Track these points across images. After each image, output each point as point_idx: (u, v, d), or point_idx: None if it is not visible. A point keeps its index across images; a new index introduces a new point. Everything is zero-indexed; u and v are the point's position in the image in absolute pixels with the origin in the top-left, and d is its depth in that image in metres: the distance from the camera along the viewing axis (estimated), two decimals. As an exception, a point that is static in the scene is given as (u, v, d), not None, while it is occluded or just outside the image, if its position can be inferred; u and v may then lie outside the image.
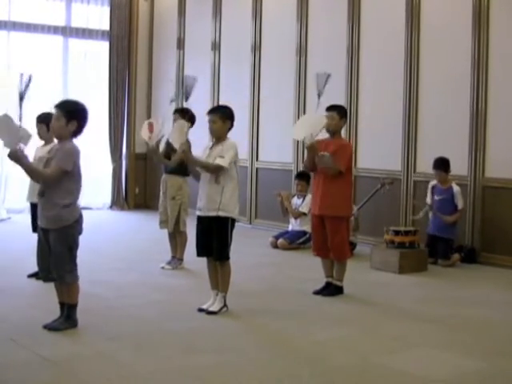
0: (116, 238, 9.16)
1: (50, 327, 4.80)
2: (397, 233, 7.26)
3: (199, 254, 5.43)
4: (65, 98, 5.10)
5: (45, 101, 11.38)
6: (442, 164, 7.56)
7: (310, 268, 7.08)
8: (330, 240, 5.99)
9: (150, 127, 6.49)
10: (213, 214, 5.27)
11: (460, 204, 7.51)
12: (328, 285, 6.12)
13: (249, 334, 5.02)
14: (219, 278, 5.40)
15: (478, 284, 6.78)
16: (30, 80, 4.81)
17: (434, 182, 7.67)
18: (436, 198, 7.58)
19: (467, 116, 7.74)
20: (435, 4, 8.11)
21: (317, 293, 6.05)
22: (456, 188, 7.52)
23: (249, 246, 8.47)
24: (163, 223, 7.09)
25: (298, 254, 8.09)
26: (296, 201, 8.67)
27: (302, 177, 8.66)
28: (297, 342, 4.80)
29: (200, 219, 5.37)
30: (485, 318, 5.51)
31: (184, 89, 5.54)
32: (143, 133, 6.49)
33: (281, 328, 5.13)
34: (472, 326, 5.31)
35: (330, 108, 6.13)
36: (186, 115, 6.80)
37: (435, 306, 5.90)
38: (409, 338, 4.97)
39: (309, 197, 8.50)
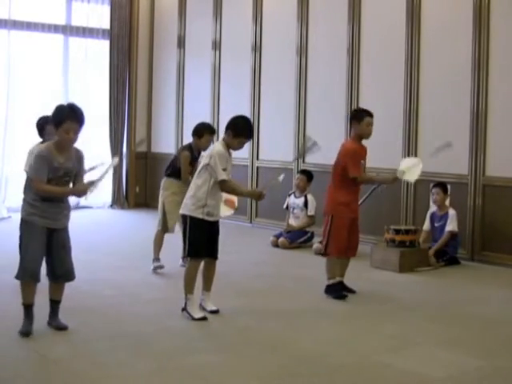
0: (116, 236, 9.17)
1: (60, 326, 4.86)
2: (397, 232, 7.26)
3: None
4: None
5: (45, 99, 11.43)
6: (441, 184, 7.61)
7: (310, 267, 7.09)
8: (357, 238, 6.14)
9: (231, 203, 6.29)
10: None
11: (450, 227, 7.42)
12: (342, 283, 6.17)
13: (249, 332, 5.02)
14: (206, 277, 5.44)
15: (478, 283, 6.78)
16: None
17: (432, 210, 7.67)
18: (436, 224, 7.59)
19: (468, 115, 7.74)
20: (435, 4, 8.11)
21: (349, 292, 6.10)
22: (452, 212, 7.49)
23: (249, 245, 8.48)
24: (174, 226, 6.91)
25: (298, 253, 8.09)
26: (293, 200, 8.64)
27: (304, 173, 8.69)
28: (297, 341, 4.80)
29: None
30: (485, 317, 5.51)
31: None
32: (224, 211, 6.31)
33: (281, 327, 5.13)
34: (472, 324, 5.31)
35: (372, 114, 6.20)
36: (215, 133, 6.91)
37: (435, 304, 5.90)
38: (409, 336, 4.98)
39: (310, 197, 8.51)
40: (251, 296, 6.01)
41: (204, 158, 5.37)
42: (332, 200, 6.07)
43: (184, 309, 5.23)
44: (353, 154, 6.01)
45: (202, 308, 5.41)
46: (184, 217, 5.33)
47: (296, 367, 4.27)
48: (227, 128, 5.28)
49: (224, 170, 5.18)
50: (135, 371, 4.15)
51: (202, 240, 5.26)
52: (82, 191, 4.80)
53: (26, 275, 4.75)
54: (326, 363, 4.36)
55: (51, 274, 4.87)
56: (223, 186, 5.22)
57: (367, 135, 6.15)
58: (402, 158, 6.97)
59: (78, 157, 4.84)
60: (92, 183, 4.79)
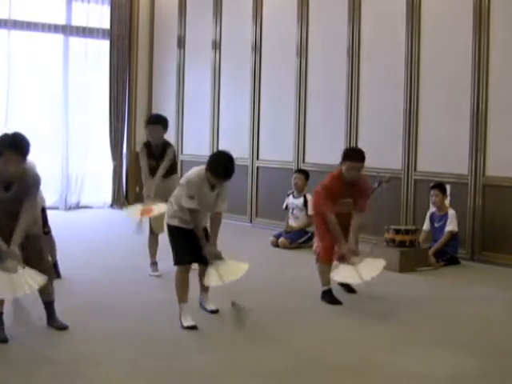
0: (116, 236, 9.16)
1: (61, 326, 4.85)
2: (397, 231, 7.26)
3: None
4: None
5: (45, 99, 11.43)
6: (439, 185, 7.60)
7: (310, 267, 7.07)
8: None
9: (147, 212, 6.38)
10: None
11: (450, 227, 7.42)
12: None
13: (248, 332, 5.01)
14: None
15: (478, 283, 6.78)
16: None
17: (432, 210, 7.67)
18: (436, 225, 7.60)
19: (468, 115, 7.74)
20: (435, 4, 8.11)
21: (350, 292, 6.12)
22: (451, 212, 7.50)
23: (249, 245, 8.47)
24: (161, 226, 6.88)
25: (298, 254, 8.08)
26: (292, 200, 8.63)
27: (302, 172, 8.69)
28: (297, 341, 4.80)
29: None
30: (485, 317, 5.51)
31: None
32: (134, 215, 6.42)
33: (280, 327, 5.14)
34: (473, 324, 5.31)
35: (361, 159, 5.69)
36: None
37: (436, 304, 5.90)
38: (409, 336, 4.98)
39: (309, 196, 8.49)
40: (251, 296, 6.00)
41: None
42: (314, 204, 6.07)
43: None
44: (325, 193, 5.71)
45: (203, 307, 5.42)
46: (167, 226, 5.32)
47: (296, 367, 4.27)
48: (207, 162, 5.00)
49: (191, 197, 4.97)
50: (135, 371, 4.16)
51: (182, 246, 5.15)
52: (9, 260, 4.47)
53: None
54: (326, 363, 4.36)
55: None
56: (189, 212, 5.06)
57: (347, 179, 5.68)
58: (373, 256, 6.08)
59: (28, 185, 4.57)
60: (17, 264, 4.46)
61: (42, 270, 4.78)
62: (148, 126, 6.75)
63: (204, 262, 5.24)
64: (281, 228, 8.84)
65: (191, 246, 5.18)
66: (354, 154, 5.74)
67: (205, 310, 5.39)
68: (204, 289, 5.44)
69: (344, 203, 5.74)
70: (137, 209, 6.74)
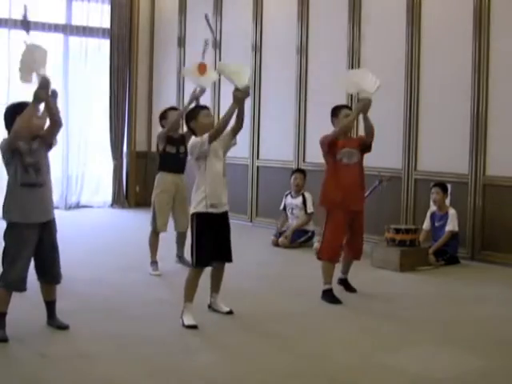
0: (116, 236, 9.17)
1: (61, 326, 4.85)
2: (398, 231, 7.27)
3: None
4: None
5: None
6: (440, 184, 7.61)
7: (310, 267, 7.08)
8: (359, 238, 6.04)
9: (202, 68, 6.73)
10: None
11: (450, 226, 7.43)
12: (345, 281, 6.21)
13: (249, 332, 5.02)
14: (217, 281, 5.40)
15: (478, 282, 6.78)
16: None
17: (433, 209, 7.67)
18: (436, 224, 7.61)
19: (468, 114, 7.74)
20: (436, 5, 8.11)
21: (350, 291, 6.17)
22: (452, 211, 7.50)
23: (249, 245, 8.47)
24: (165, 226, 6.86)
25: (299, 253, 8.09)
26: (291, 200, 8.63)
27: (301, 172, 8.71)
28: (297, 341, 4.80)
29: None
30: (486, 316, 5.51)
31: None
32: (192, 72, 6.87)
33: (281, 327, 5.13)
34: (473, 323, 5.31)
35: (351, 108, 6.17)
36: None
37: (436, 303, 5.90)
38: (410, 336, 4.98)
39: (307, 194, 8.50)
40: (251, 296, 6.01)
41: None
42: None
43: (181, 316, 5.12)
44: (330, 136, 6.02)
45: (213, 310, 5.39)
46: (191, 218, 5.13)
47: (296, 367, 4.27)
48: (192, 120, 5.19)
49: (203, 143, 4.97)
50: (135, 371, 4.15)
51: (204, 245, 5.03)
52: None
53: (11, 286, 4.66)
54: (327, 363, 4.36)
55: (40, 274, 4.81)
56: (212, 133, 4.95)
57: (344, 127, 6.07)
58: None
59: None
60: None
61: (54, 272, 4.80)
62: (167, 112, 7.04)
63: (224, 259, 5.22)
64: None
65: (214, 242, 5.07)
66: (344, 105, 6.39)
67: (216, 311, 5.35)
68: (215, 290, 5.41)
69: (350, 152, 6.02)
70: (193, 67, 6.95)
